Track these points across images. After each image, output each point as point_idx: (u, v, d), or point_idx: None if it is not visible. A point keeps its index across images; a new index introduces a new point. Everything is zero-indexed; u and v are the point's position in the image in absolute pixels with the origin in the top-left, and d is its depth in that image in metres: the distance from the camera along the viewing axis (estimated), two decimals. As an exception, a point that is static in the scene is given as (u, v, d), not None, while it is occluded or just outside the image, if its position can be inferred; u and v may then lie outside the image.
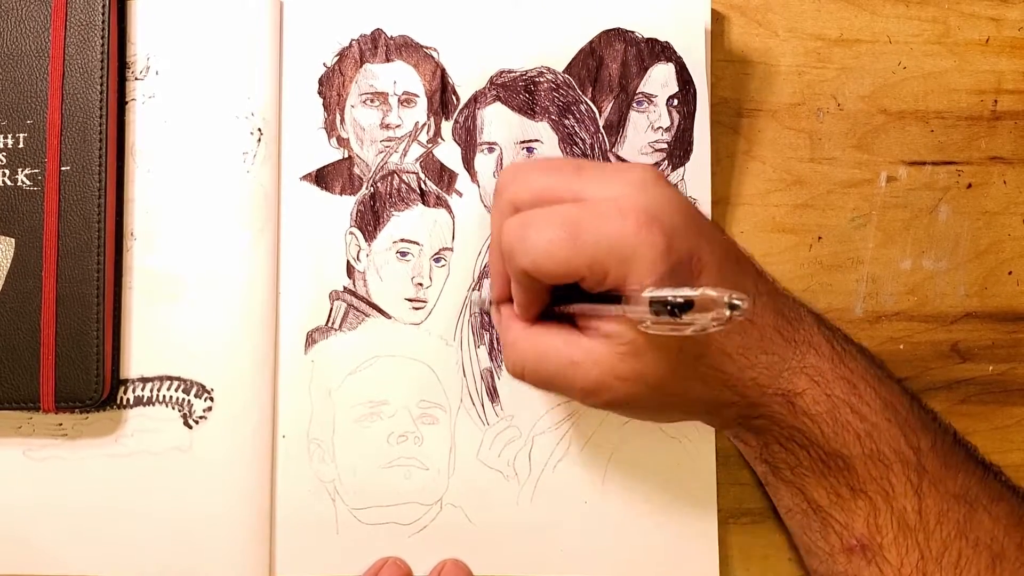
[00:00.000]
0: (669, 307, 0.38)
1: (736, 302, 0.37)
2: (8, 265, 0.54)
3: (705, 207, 0.56)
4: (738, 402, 0.47)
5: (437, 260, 0.57)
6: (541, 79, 0.57)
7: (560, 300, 0.47)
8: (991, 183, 0.59)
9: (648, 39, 0.57)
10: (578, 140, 0.57)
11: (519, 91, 0.57)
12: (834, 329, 0.51)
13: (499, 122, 0.57)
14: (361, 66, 0.57)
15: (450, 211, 0.57)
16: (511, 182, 0.48)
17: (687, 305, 0.38)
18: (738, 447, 0.53)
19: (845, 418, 0.48)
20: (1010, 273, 0.59)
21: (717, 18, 0.58)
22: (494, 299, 0.52)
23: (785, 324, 0.48)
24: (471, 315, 0.57)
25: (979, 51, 0.60)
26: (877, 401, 0.49)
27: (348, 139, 0.57)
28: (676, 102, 0.57)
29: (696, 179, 0.57)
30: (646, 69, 0.57)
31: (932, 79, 0.59)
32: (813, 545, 0.50)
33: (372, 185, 0.57)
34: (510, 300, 0.49)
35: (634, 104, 0.57)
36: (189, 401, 0.55)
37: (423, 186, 0.57)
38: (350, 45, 0.58)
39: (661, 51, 0.57)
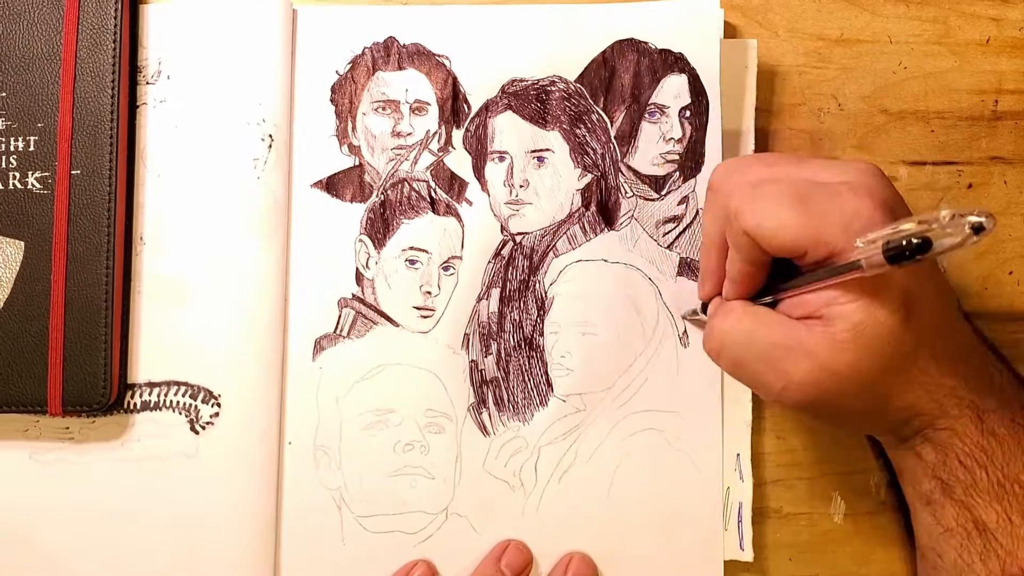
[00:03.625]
0: (907, 251, 0.37)
1: (979, 219, 0.35)
2: (17, 268, 0.54)
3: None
4: (932, 411, 0.47)
5: (446, 268, 0.57)
6: (553, 88, 0.57)
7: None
8: (992, 183, 0.59)
9: (661, 50, 0.57)
10: (589, 150, 0.57)
11: (531, 100, 0.57)
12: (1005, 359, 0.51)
13: (510, 131, 0.57)
14: (373, 74, 0.57)
15: (460, 220, 0.57)
16: (729, 176, 0.48)
17: (925, 245, 0.37)
18: (905, 466, 0.52)
19: None
20: (1010, 273, 0.59)
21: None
22: (703, 296, 0.52)
23: (978, 342, 0.49)
24: (479, 324, 0.57)
25: (980, 51, 0.59)
26: None
27: (359, 147, 0.57)
28: (688, 113, 0.57)
29: (707, 190, 0.57)
30: (659, 80, 0.57)
31: (933, 79, 0.59)
32: (967, 567, 0.49)
33: (382, 193, 0.57)
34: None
35: (646, 115, 0.57)
36: (196, 407, 0.55)
37: (433, 194, 0.57)
38: (363, 53, 0.58)
39: (674, 62, 0.57)
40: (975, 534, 0.48)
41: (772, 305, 0.48)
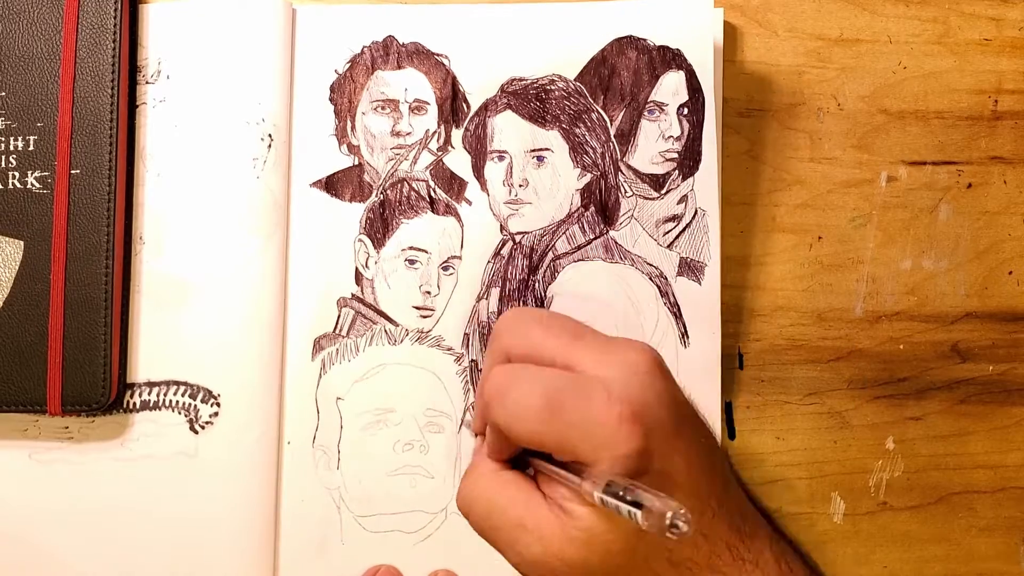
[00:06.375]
0: (618, 504, 0.38)
1: (678, 523, 0.37)
2: (17, 268, 0.54)
3: (713, 217, 0.56)
4: None
5: (445, 268, 0.57)
6: (552, 87, 0.57)
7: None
8: (991, 183, 0.59)
9: (660, 46, 0.57)
10: (589, 149, 0.57)
11: (530, 99, 0.57)
12: (786, 546, 0.50)
13: (509, 130, 0.57)
14: (372, 73, 0.58)
15: (459, 219, 0.57)
16: (508, 330, 0.47)
17: (636, 506, 0.38)
18: None
19: None
20: (1010, 273, 0.59)
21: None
22: (475, 430, 0.52)
23: (738, 540, 0.47)
24: (478, 324, 0.57)
25: (979, 51, 0.59)
26: None
27: (359, 146, 0.57)
28: (686, 111, 0.57)
29: (704, 189, 0.57)
30: (657, 77, 0.57)
31: (932, 79, 0.59)
32: None
33: (382, 192, 0.57)
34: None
35: (645, 113, 0.57)
36: (195, 406, 0.55)
37: (432, 194, 0.57)
38: (362, 52, 0.58)
39: (672, 58, 0.57)
40: None
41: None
